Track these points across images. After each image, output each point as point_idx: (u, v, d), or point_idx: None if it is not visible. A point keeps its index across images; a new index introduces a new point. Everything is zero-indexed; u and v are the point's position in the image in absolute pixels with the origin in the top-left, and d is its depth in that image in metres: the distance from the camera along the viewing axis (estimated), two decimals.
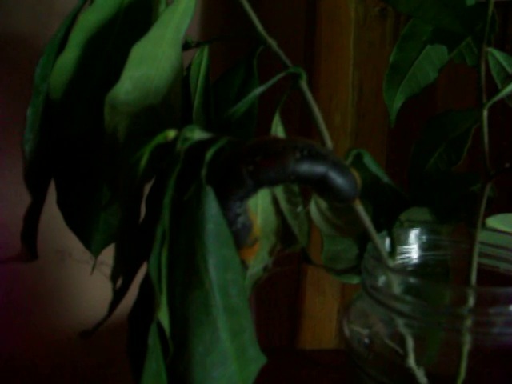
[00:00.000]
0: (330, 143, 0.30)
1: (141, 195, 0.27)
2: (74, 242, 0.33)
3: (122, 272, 0.28)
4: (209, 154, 0.26)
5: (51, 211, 0.33)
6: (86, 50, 0.30)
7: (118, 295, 0.30)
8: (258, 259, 0.31)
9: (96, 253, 0.36)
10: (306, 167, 0.27)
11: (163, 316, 0.27)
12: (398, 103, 0.45)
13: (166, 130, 0.26)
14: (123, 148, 0.29)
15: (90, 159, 0.31)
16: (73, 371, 0.54)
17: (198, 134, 0.27)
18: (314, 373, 0.53)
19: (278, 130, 0.31)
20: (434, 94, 0.55)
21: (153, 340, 0.25)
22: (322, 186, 0.28)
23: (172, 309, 0.27)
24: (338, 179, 0.27)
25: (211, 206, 0.26)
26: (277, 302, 0.63)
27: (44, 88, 0.29)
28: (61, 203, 0.34)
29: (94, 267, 0.35)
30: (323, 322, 0.57)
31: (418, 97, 0.45)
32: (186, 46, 0.33)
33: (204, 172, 0.26)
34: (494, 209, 0.38)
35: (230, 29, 0.55)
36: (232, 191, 0.27)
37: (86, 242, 0.35)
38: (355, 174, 0.28)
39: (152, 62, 0.30)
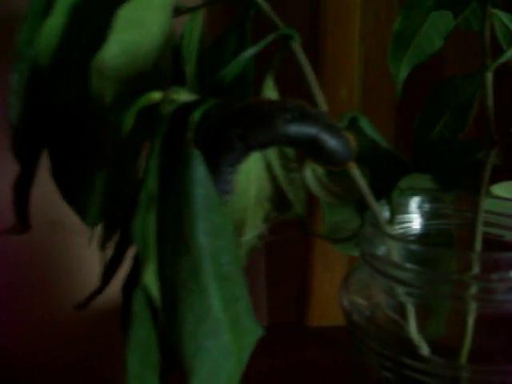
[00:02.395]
0: (324, 106, 0.29)
1: (127, 160, 0.27)
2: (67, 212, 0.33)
3: (111, 240, 0.28)
4: (195, 116, 0.26)
5: (42, 182, 0.32)
6: (73, 14, 0.29)
7: (111, 265, 0.30)
8: (253, 226, 0.30)
9: (92, 225, 0.35)
10: (296, 129, 0.26)
11: (151, 283, 0.26)
12: (403, 73, 0.44)
13: (150, 92, 0.25)
14: (110, 113, 0.28)
15: (82, 128, 0.30)
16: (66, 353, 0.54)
17: (184, 96, 0.26)
18: (322, 349, 0.53)
19: (270, 94, 0.30)
20: (442, 65, 0.54)
21: (138, 307, 0.25)
22: (313, 149, 0.27)
23: (162, 277, 0.27)
24: (330, 141, 0.27)
25: (199, 170, 0.26)
26: (285, 279, 0.62)
27: (28, 54, 0.28)
28: (55, 175, 0.33)
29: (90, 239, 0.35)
30: (332, 298, 0.57)
31: (424, 64, 0.43)
32: (177, 12, 0.32)
33: (190, 135, 0.26)
34: (500, 176, 0.37)
35: None
36: (221, 155, 0.26)
37: (82, 214, 0.35)
38: (349, 135, 0.27)
39: (140, 26, 0.29)
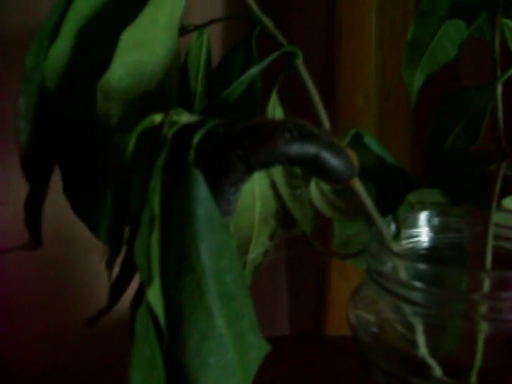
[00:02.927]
0: (327, 123, 0.29)
1: (131, 180, 0.27)
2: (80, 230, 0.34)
3: (117, 258, 0.28)
4: (196, 137, 0.26)
5: (55, 199, 0.33)
6: (80, 37, 0.30)
7: (119, 284, 0.30)
8: (258, 244, 0.30)
9: (105, 240, 0.36)
10: (296, 148, 0.26)
11: (155, 301, 0.27)
12: (418, 82, 0.43)
13: (152, 114, 0.26)
14: (116, 134, 0.28)
15: (89, 148, 0.31)
16: (78, 367, 0.55)
17: (185, 118, 0.26)
18: (339, 358, 0.53)
19: (276, 111, 0.30)
20: (460, 74, 0.53)
21: (140, 326, 0.25)
22: (315, 168, 0.27)
23: (166, 295, 0.27)
24: (331, 160, 0.27)
25: (200, 190, 0.26)
26: (304, 289, 0.62)
27: (36, 77, 0.29)
28: (67, 191, 0.34)
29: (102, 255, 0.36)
30: None
31: (441, 73, 0.43)
32: (182, 31, 0.33)
33: (192, 155, 0.26)
34: None
35: (230, 12, 0.54)
36: (223, 176, 0.27)
37: (95, 229, 0.35)
38: (351, 153, 0.27)
39: (145, 47, 0.30)
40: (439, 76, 0.43)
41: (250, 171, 0.27)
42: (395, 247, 0.30)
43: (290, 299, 0.64)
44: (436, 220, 0.34)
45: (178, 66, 0.32)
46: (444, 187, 0.37)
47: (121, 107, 0.29)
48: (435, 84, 0.44)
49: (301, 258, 0.61)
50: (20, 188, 0.31)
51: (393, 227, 0.32)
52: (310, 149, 0.26)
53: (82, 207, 0.34)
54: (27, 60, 0.28)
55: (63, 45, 0.30)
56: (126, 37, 0.28)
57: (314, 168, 0.27)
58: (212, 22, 0.33)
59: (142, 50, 0.30)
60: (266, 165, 0.27)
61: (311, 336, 0.58)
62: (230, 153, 0.26)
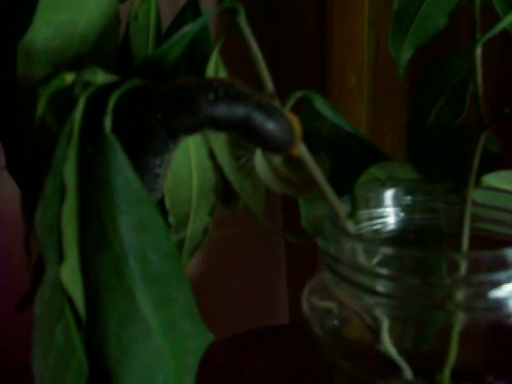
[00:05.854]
0: (270, 86, 0.26)
1: (44, 149, 0.25)
2: None
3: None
4: (112, 99, 0.23)
5: None
6: None
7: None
8: (197, 221, 0.27)
9: None
10: (222, 110, 0.23)
11: (71, 282, 0.24)
12: (405, 55, 0.40)
13: (62, 73, 0.23)
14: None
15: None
16: None
17: (101, 77, 0.24)
18: None
19: (219, 74, 0.27)
20: (458, 46, 0.49)
21: (41, 308, 0.23)
22: (247, 132, 0.24)
23: (85, 274, 0.25)
24: (265, 123, 0.24)
25: (116, 157, 0.23)
26: (303, 278, 0.59)
27: None
28: (9, 165, 0.32)
29: None
30: None
31: (438, 46, 0.40)
32: None
33: (108, 120, 0.23)
34: (503, 167, 0.32)
35: None
36: (144, 144, 0.24)
37: None
38: (291, 116, 0.24)
39: (73, 5, 0.27)
40: (435, 49, 0.40)
41: (173, 138, 0.24)
42: (350, 227, 0.27)
43: (289, 288, 0.61)
44: (407, 198, 0.31)
45: (116, 30, 0.29)
46: (424, 165, 0.33)
47: (47, 70, 0.27)
48: (431, 58, 0.40)
49: (301, 246, 0.58)
50: None
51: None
52: (239, 110, 0.23)
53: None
54: None
55: None
56: None
57: (245, 133, 0.24)
58: None
59: (71, 8, 0.27)
60: (190, 130, 0.24)
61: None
62: (149, 117, 0.23)
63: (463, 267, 0.27)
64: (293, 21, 0.53)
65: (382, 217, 0.30)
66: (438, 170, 0.34)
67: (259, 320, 0.62)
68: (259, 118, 0.23)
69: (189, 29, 0.26)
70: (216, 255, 0.59)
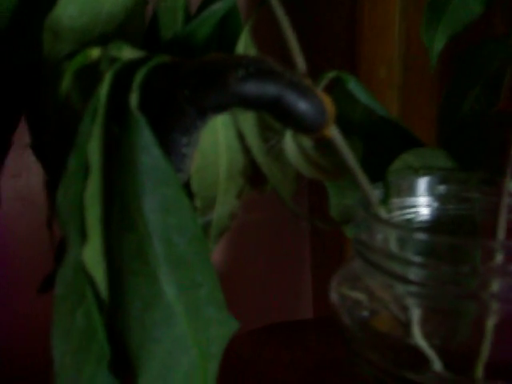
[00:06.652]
0: (303, 66, 0.25)
1: (70, 127, 0.24)
2: None
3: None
4: (138, 75, 0.23)
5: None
6: None
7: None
8: (224, 204, 0.26)
9: None
10: (252, 87, 0.22)
11: (94, 264, 0.23)
12: (438, 44, 0.39)
13: (87, 48, 0.23)
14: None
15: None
16: None
17: (127, 53, 0.23)
18: None
19: (249, 52, 0.27)
20: (493, 36, 0.48)
21: (62, 288, 0.22)
22: (277, 111, 0.23)
23: (108, 255, 0.24)
24: (296, 102, 0.23)
25: (142, 135, 0.22)
26: (328, 271, 0.58)
27: None
28: (34, 146, 0.31)
29: None
30: None
31: (472, 36, 0.38)
32: None
33: (134, 96, 0.23)
34: None
35: None
36: (171, 121, 0.23)
37: None
38: (323, 96, 0.23)
39: None
40: (468, 39, 0.39)
41: (201, 116, 0.23)
42: (383, 214, 0.26)
43: (313, 279, 0.60)
44: (441, 187, 0.30)
45: (143, 10, 0.28)
46: (457, 154, 0.32)
47: (72, 49, 0.26)
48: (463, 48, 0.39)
49: (326, 236, 0.57)
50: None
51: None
52: (270, 88, 0.22)
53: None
54: None
55: None
56: None
57: (275, 112, 0.23)
58: None
59: None
60: (219, 107, 0.23)
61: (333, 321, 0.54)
62: (177, 93, 0.23)
63: (499, 257, 0.26)
64: (323, 10, 0.52)
65: (414, 206, 0.29)
66: (473, 160, 0.33)
67: (282, 311, 0.61)
68: (291, 97, 0.23)
69: (219, 6, 0.25)
70: (237, 242, 0.58)
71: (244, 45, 0.26)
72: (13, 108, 0.29)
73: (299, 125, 0.23)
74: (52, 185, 0.24)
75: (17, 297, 0.52)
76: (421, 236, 0.25)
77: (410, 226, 0.29)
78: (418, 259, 0.25)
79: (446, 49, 0.38)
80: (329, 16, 0.52)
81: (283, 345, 0.48)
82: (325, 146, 0.27)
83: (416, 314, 0.27)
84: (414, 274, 0.26)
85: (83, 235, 0.23)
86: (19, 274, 0.52)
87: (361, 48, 0.50)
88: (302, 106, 0.23)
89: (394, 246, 0.26)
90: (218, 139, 0.26)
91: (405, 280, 0.26)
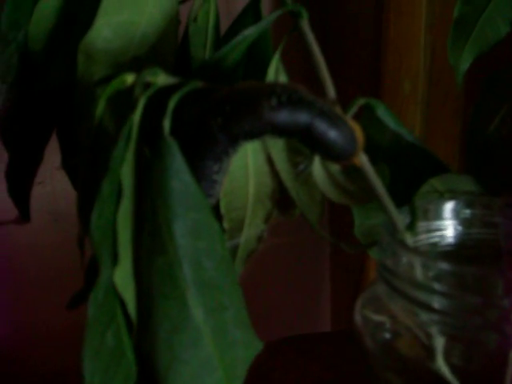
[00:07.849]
0: (332, 93, 0.25)
1: (103, 150, 0.24)
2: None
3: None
4: (172, 101, 0.23)
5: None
6: None
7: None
8: (251, 228, 0.27)
9: None
10: (284, 116, 0.22)
11: (124, 285, 0.24)
12: (465, 63, 0.39)
13: (122, 74, 0.23)
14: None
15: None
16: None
17: (162, 79, 0.23)
18: None
19: (279, 78, 0.27)
20: None
21: (95, 309, 0.22)
22: (309, 140, 0.23)
23: (138, 277, 0.24)
24: (327, 131, 0.23)
25: (174, 160, 0.23)
26: (347, 286, 0.58)
27: (14, 37, 0.27)
28: (65, 165, 0.32)
29: None
30: None
31: (497, 54, 0.38)
32: None
33: (167, 122, 0.23)
34: None
35: None
36: (203, 148, 0.24)
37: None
38: (353, 125, 0.24)
39: (135, 5, 0.27)
40: (494, 56, 0.39)
41: (233, 143, 0.23)
42: (409, 239, 0.26)
43: (332, 296, 0.60)
44: (466, 212, 0.30)
45: (175, 31, 0.29)
46: (484, 177, 0.32)
47: (106, 71, 0.27)
48: (489, 66, 0.39)
49: (345, 254, 0.57)
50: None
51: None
52: (302, 117, 0.23)
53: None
54: (2, 19, 0.26)
55: (50, 3, 0.27)
56: None
57: (307, 140, 0.23)
58: None
59: (133, 8, 0.27)
60: (251, 135, 0.23)
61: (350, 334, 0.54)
62: (209, 121, 0.23)
63: None
64: (348, 25, 0.52)
65: (439, 230, 0.29)
66: (498, 183, 0.33)
67: (301, 327, 0.61)
68: (322, 126, 0.23)
69: (250, 32, 0.26)
70: (259, 261, 0.58)
71: (275, 70, 0.26)
72: (46, 126, 0.30)
73: (329, 153, 0.24)
74: (83, 204, 0.25)
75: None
76: (445, 266, 0.25)
77: (435, 249, 0.29)
78: (442, 288, 0.25)
79: (470, 66, 0.38)
80: (353, 29, 0.52)
81: (303, 357, 0.48)
82: (352, 171, 0.27)
83: (440, 342, 0.27)
84: (437, 302, 0.26)
85: (115, 257, 0.23)
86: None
87: (385, 62, 0.50)
88: (333, 134, 0.23)
89: (418, 273, 0.26)
90: (248, 163, 0.26)
91: (428, 308, 0.26)
